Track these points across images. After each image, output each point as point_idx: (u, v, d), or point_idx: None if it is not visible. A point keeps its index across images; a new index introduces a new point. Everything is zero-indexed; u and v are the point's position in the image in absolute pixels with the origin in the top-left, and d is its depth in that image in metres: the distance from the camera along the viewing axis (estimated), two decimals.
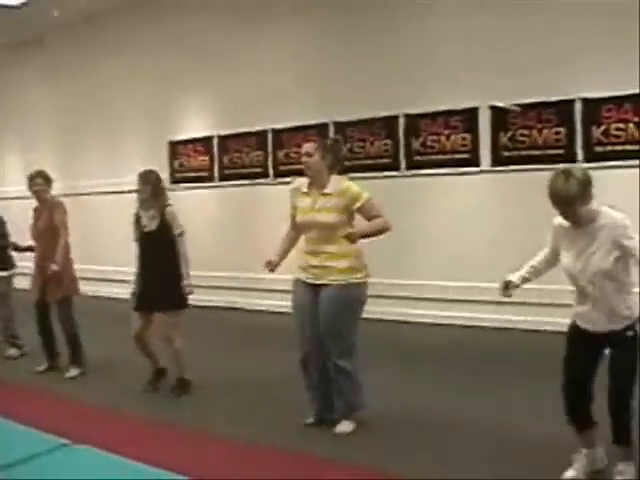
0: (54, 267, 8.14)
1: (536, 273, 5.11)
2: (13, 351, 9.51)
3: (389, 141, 11.33)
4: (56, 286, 8.30)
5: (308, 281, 6.10)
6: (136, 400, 7.32)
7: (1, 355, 9.40)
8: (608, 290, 4.57)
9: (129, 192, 13.60)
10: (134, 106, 14.46)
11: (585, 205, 4.54)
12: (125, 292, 12.51)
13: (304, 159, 6.13)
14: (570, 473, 4.88)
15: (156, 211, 7.51)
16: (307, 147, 6.18)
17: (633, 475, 4.71)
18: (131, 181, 13.64)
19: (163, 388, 7.63)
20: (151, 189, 7.54)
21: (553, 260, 5.00)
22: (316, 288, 6.06)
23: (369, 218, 6.07)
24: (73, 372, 8.42)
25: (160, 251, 7.46)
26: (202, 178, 13.53)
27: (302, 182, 6.29)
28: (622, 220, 4.55)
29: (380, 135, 11.39)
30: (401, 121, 11.17)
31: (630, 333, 4.57)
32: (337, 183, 6.10)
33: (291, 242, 6.46)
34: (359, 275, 6.05)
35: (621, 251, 4.47)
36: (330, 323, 5.99)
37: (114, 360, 8.83)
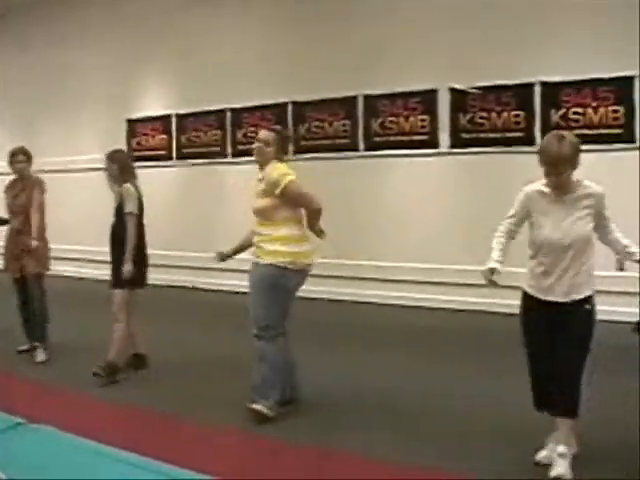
0: (34, 243, 8.14)
1: (506, 250, 5.07)
2: None
3: (348, 121, 11.31)
4: (33, 260, 8.27)
5: (254, 260, 6.16)
6: (92, 381, 7.21)
7: None
8: (582, 257, 4.69)
9: (85, 170, 13.82)
10: (92, 84, 14.26)
11: (572, 170, 4.64)
12: (86, 271, 12.55)
13: (259, 145, 6.11)
14: (543, 454, 4.93)
15: (120, 189, 7.47)
16: (265, 135, 6.16)
17: (567, 462, 4.74)
18: (89, 159, 13.83)
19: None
20: (118, 168, 7.48)
21: (517, 230, 5.04)
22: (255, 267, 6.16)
23: (296, 204, 6.06)
24: (41, 356, 8.30)
25: (116, 229, 7.45)
26: (160, 157, 13.43)
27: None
28: (603, 192, 4.72)
29: (339, 115, 11.36)
30: (360, 102, 11.15)
31: (587, 307, 4.68)
32: (268, 169, 6.09)
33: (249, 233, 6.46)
34: (282, 259, 6.01)
35: (599, 220, 4.72)
36: (251, 300, 6.06)
37: (84, 341, 8.74)
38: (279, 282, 6.01)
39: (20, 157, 8.46)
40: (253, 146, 6.19)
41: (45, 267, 8.45)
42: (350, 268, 11.07)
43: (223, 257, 6.51)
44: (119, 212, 7.41)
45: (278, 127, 6.76)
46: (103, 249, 7.71)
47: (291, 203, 6.02)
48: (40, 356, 8.28)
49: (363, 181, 11.11)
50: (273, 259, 5.99)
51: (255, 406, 6.06)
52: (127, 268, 7.23)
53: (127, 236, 7.31)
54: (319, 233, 6.19)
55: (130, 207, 7.37)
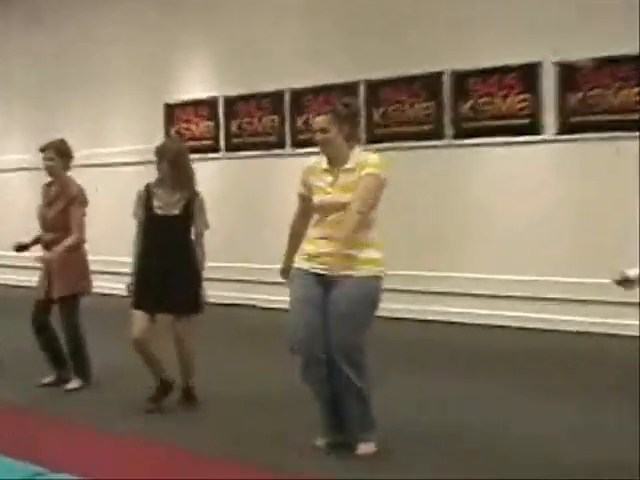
0: (47, 255, 8.10)
1: None
2: None
3: (431, 103, 11.11)
4: (62, 281, 8.17)
5: (318, 272, 5.97)
6: (134, 416, 7.22)
7: None
8: None
9: (116, 165, 14.01)
10: (124, 62, 14.31)
11: None
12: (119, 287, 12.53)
13: (319, 136, 6.04)
14: None
15: (182, 195, 7.34)
16: (320, 121, 6.08)
17: None
18: (120, 152, 13.98)
19: (169, 404, 7.53)
20: (168, 166, 7.29)
21: None
22: (327, 280, 5.94)
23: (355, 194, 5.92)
24: (73, 384, 8.26)
25: (177, 242, 7.38)
26: (205, 148, 13.26)
27: (319, 159, 6.21)
28: None
29: (420, 96, 11.18)
30: (446, 79, 10.98)
31: None
32: (359, 156, 6.04)
33: (301, 235, 6.32)
34: (381, 268, 5.98)
35: None
36: (343, 324, 5.86)
37: (115, 369, 8.71)
38: (379, 297, 6.00)
39: (49, 153, 8.33)
40: (316, 139, 6.07)
41: (78, 288, 8.29)
42: (431, 281, 10.99)
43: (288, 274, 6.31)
44: (181, 222, 7.36)
45: (338, 103, 6.53)
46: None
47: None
48: (72, 384, 8.23)
49: (450, 175, 10.98)
50: (371, 270, 5.90)
51: (366, 448, 6.02)
52: (204, 292, 7.45)
53: (202, 255, 7.44)
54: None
55: (206, 222, 7.44)
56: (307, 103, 12.18)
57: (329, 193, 6.00)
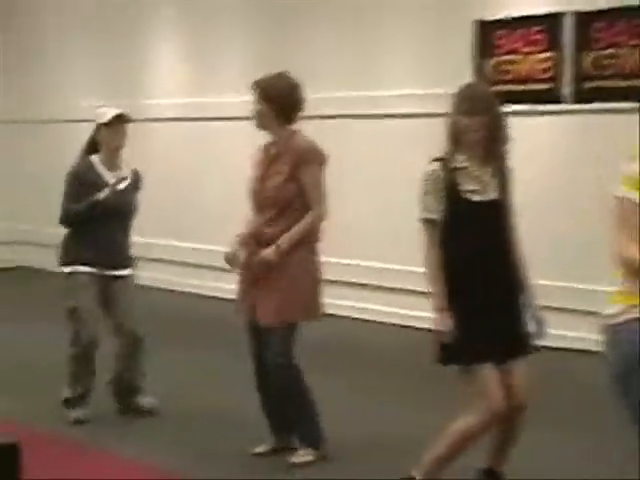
0: (267, 255, 8.17)
1: None
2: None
3: None
4: (272, 302, 8.29)
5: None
6: None
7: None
8: None
9: (386, 117, 14.52)
10: None
11: None
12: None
13: None
14: None
15: (494, 167, 7.20)
16: None
17: None
18: (397, 97, 14.38)
19: None
20: (490, 123, 7.10)
21: None
22: None
23: None
24: (301, 457, 8.47)
25: (505, 244, 7.22)
26: (537, 96, 12.82)
27: None
28: None
29: None
30: None
31: None
32: None
33: None
34: None
35: None
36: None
37: (362, 436, 9.03)
38: None
39: (254, 95, 8.48)
40: None
41: (301, 314, 8.40)
42: None
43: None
44: (503, 210, 7.27)
45: None
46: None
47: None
48: (300, 456, 8.49)
49: None
50: None
51: None
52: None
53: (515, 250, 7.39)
54: None
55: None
56: None
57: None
